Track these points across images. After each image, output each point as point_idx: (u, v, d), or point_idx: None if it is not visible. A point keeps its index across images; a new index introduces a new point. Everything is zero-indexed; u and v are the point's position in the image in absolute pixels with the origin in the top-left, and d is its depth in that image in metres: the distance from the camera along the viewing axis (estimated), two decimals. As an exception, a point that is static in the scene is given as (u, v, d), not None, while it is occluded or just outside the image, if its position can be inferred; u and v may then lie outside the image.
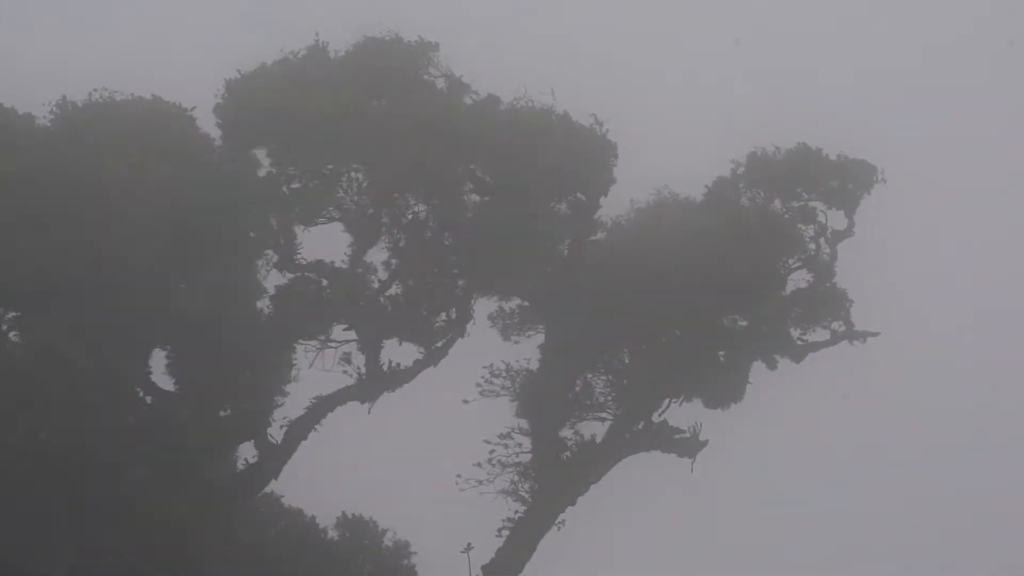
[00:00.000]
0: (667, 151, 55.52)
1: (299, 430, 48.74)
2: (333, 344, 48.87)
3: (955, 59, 75.41)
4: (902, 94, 73.17)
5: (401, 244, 48.92)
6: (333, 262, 48.79)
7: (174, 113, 48.86)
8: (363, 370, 49.05)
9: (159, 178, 47.13)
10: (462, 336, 49.68)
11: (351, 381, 49.12)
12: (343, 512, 49.61)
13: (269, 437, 48.44)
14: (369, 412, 49.31)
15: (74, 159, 46.66)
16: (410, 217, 48.86)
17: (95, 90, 48.48)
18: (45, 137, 47.67)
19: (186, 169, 47.64)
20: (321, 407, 48.99)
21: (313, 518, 49.60)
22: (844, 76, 71.43)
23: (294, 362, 48.79)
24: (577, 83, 52.11)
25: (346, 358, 48.97)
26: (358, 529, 49.75)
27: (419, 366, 49.54)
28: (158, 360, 48.06)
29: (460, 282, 49.24)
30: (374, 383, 49.07)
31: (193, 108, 48.78)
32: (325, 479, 50.81)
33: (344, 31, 49.35)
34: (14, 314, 47.29)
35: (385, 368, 49.15)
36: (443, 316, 49.35)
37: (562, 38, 69.75)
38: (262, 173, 48.13)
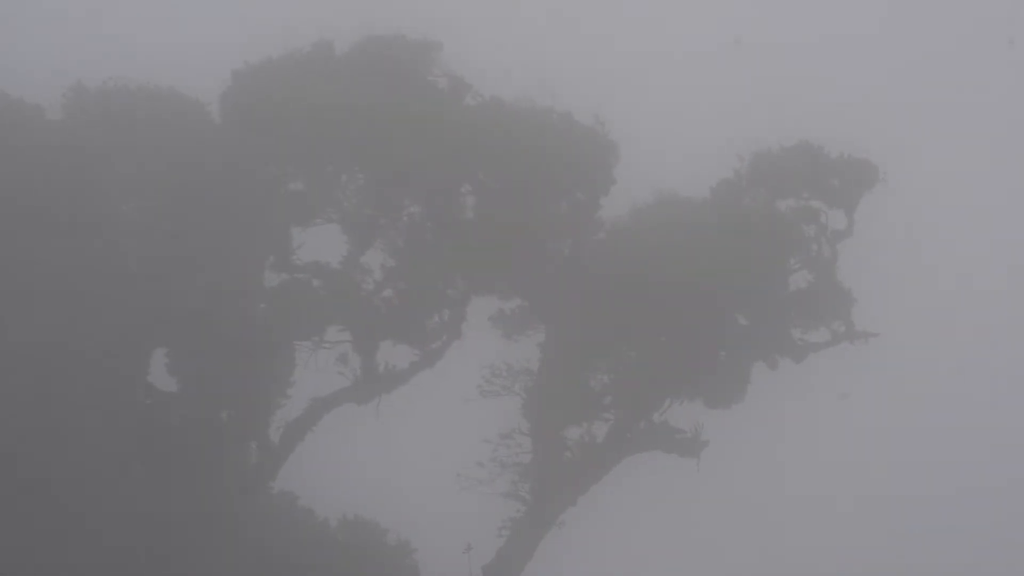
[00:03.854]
0: (668, 150, 55.44)
1: (296, 431, 48.89)
2: (327, 345, 48.94)
3: (955, 59, 75.37)
4: (901, 94, 73.10)
5: (398, 245, 49.03)
6: (329, 263, 48.93)
7: (188, 107, 48.90)
8: (359, 372, 49.16)
9: (162, 174, 47.28)
10: (458, 338, 49.71)
11: (347, 383, 49.25)
12: (344, 514, 49.65)
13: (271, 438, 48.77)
14: (377, 416, 49.49)
15: (79, 154, 46.78)
16: (406, 219, 48.98)
17: (109, 78, 48.68)
18: (52, 129, 47.67)
19: (191, 165, 47.69)
20: (318, 408, 49.12)
21: (326, 520, 49.61)
22: (843, 75, 71.30)
23: (296, 363, 48.96)
24: (579, 82, 52.17)
25: (343, 359, 49.06)
26: (361, 529, 49.79)
27: (415, 368, 49.64)
28: (158, 360, 48.27)
29: (456, 283, 49.30)
30: (370, 385, 49.17)
31: (208, 104, 48.95)
32: (330, 480, 50.78)
33: (350, 27, 49.51)
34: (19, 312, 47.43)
35: (381, 370, 49.26)
36: (436, 318, 49.36)
37: (563, 37, 69.77)
38: (262, 170, 48.19)
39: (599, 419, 50.39)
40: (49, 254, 46.50)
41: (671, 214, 50.33)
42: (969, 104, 74.31)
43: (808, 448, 61.21)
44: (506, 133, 48.59)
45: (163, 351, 48.15)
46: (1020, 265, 66.65)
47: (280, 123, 47.56)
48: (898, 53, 75.71)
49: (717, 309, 49.52)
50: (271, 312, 47.86)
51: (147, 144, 47.85)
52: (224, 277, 47.41)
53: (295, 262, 48.65)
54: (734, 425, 50.23)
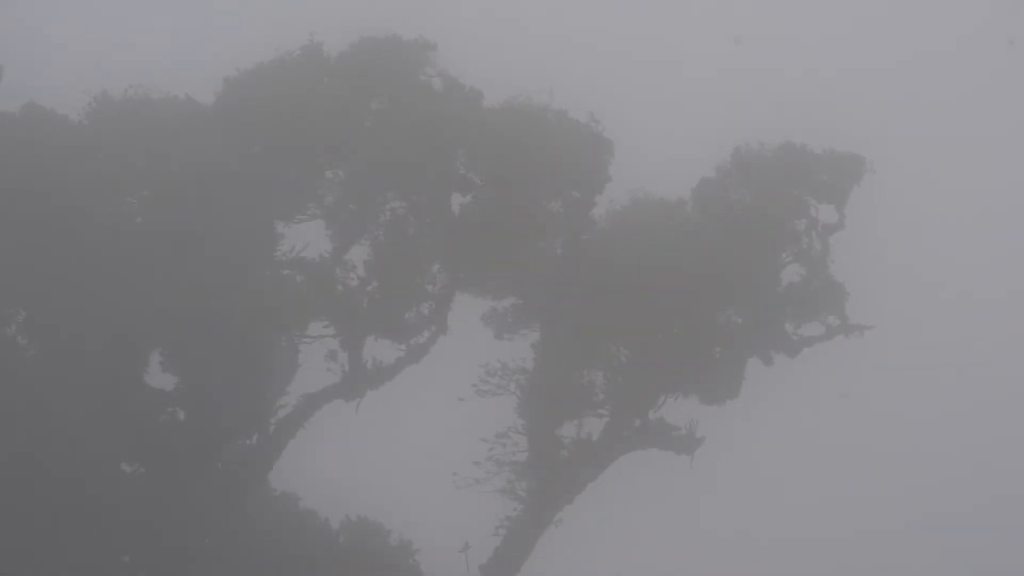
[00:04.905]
0: (667, 150, 55.60)
1: (287, 428, 48.94)
2: (307, 339, 49.05)
3: (955, 59, 75.51)
4: (902, 94, 73.23)
5: (381, 240, 49.11)
6: (314, 259, 48.98)
7: (195, 111, 49.06)
8: (347, 368, 49.16)
9: (159, 175, 47.55)
10: (444, 333, 49.73)
11: (336, 379, 49.24)
12: (347, 515, 49.74)
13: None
14: (357, 411, 49.50)
15: (92, 159, 47.14)
16: (389, 214, 49.08)
17: (131, 87, 49.10)
18: (72, 135, 48.11)
19: (188, 166, 47.98)
20: (308, 405, 49.14)
21: (327, 520, 49.65)
22: (843, 75, 71.45)
23: (299, 363, 49.19)
24: (576, 82, 52.31)
25: (332, 355, 49.13)
26: (363, 530, 49.85)
27: (401, 363, 49.61)
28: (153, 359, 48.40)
29: (436, 276, 49.35)
30: (358, 381, 49.19)
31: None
32: (327, 479, 50.91)
33: (343, 29, 49.66)
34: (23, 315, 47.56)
35: (368, 366, 49.31)
36: (415, 311, 49.34)
37: (562, 37, 69.97)
38: (250, 170, 48.32)
39: (594, 417, 50.40)
40: (47, 255, 46.72)
41: (662, 211, 50.36)
42: (969, 104, 74.42)
43: (804, 443, 61.26)
44: (500, 130, 48.64)
45: (159, 350, 48.31)
46: (1017, 262, 66.73)
47: (267, 126, 47.67)
48: (898, 53, 75.86)
49: (710, 305, 49.56)
50: (265, 310, 47.91)
51: (156, 148, 48.17)
52: (219, 276, 47.51)
53: (281, 258, 48.75)
54: (729, 421, 50.25)
